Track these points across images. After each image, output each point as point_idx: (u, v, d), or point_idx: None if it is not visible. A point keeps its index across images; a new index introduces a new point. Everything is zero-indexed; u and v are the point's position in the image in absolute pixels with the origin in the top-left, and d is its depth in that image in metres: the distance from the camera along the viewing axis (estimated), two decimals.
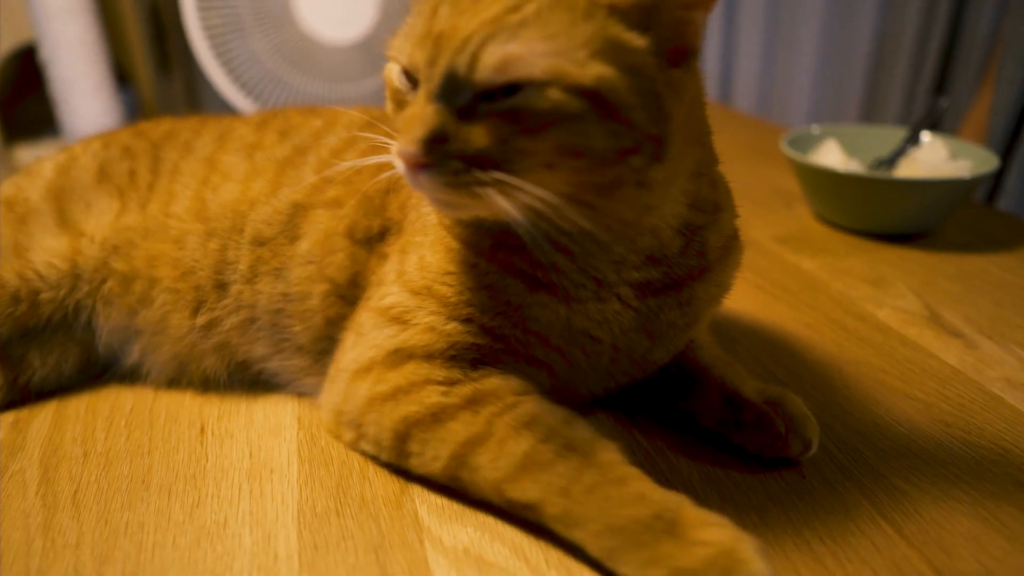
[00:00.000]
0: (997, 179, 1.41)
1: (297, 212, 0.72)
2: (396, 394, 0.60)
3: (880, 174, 1.08)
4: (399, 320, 0.63)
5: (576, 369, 0.64)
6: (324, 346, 0.70)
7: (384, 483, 0.61)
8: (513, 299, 0.61)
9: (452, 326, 0.62)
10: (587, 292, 0.60)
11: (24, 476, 0.63)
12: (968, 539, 0.55)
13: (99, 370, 0.77)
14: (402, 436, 0.60)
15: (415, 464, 0.60)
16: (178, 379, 0.75)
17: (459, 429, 0.57)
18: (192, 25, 1.33)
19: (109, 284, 0.74)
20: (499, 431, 0.56)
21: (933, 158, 1.10)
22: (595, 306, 0.60)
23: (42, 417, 0.71)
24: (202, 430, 0.69)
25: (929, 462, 0.63)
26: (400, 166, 0.52)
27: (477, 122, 0.50)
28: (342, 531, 0.56)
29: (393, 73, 0.56)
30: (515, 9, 0.49)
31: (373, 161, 0.59)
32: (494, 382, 0.60)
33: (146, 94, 1.73)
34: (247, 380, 0.74)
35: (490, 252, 0.61)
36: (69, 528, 0.57)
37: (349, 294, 0.69)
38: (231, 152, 0.78)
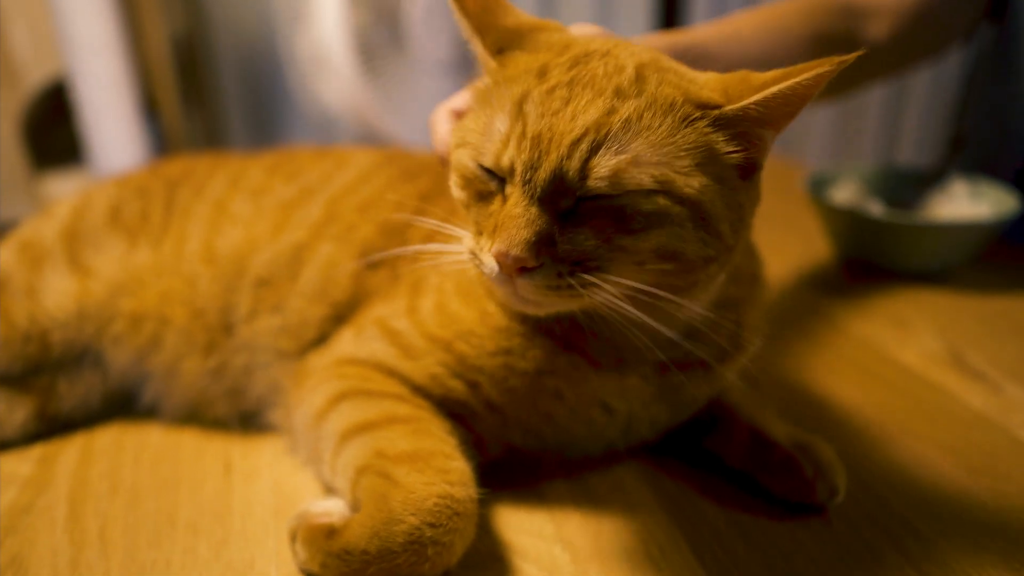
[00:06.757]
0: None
1: (301, 250, 0.73)
2: (364, 390, 0.62)
3: (902, 217, 1.08)
4: (404, 349, 0.64)
5: (569, 439, 0.65)
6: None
7: None
8: (532, 366, 0.61)
9: (456, 383, 0.62)
10: (609, 361, 0.60)
11: (52, 512, 0.64)
12: None
13: (125, 402, 0.77)
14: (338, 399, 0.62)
15: (333, 419, 0.61)
16: (193, 419, 0.76)
17: (384, 406, 0.60)
18: (343, 68, 1.42)
19: (117, 324, 0.75)
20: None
21: (955, 199, 1.10)
22: (615, 375, 0.60)
23: (69, 452, 0.72)
24: (228, 467, 0.69)
25: (956, 510, 0.62)
26: (490, 267, 0.51)
27: (580, 222, 0.50)
28: None
29: (467, 162, 0.54)
30: (613, 111, 0.49)
31: (436, 249, 0.58)
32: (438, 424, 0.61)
33: (172, 125, 1.76)
34: (258, 427, 0.74)
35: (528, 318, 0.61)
36: (96, 565, 0.58)
37: (347, 314, 0.70)
38: (240, 197, 0.79)
